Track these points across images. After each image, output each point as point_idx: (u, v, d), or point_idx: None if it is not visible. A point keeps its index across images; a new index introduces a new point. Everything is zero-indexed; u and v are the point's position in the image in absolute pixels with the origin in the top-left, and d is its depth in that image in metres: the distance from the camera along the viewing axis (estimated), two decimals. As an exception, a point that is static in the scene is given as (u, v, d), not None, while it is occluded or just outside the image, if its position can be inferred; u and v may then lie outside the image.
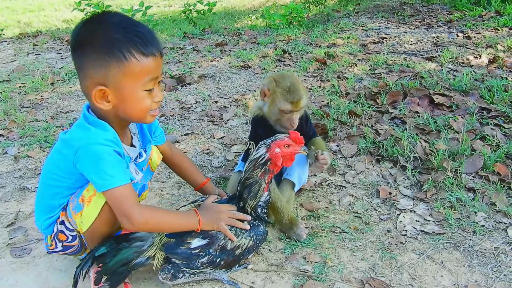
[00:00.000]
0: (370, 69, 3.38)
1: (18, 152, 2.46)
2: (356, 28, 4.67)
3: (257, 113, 1.82)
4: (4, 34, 6.24)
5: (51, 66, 4.14)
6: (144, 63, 1.16)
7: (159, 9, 8.63)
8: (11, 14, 9.00)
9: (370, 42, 4.07)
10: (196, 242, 1.39)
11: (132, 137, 1.42)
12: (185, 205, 1.55)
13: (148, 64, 1.17)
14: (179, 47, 4.50)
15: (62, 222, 1.37)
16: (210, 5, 5.49)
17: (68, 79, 3.66)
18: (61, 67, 4.04)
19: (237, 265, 1.54)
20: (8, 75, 3.98)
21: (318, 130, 2.40)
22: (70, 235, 1.40)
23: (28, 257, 1.68)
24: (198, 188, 1.73)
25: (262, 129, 1.77)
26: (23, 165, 2.33)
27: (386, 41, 4.09)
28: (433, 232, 1.68)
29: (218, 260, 1.40)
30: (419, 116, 2.52)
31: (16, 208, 1.98)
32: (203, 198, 1.56)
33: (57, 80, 3.65)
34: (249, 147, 1.78)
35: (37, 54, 4.66)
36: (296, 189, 1.83)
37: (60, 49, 4.84)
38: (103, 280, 1.35)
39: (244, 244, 1.42)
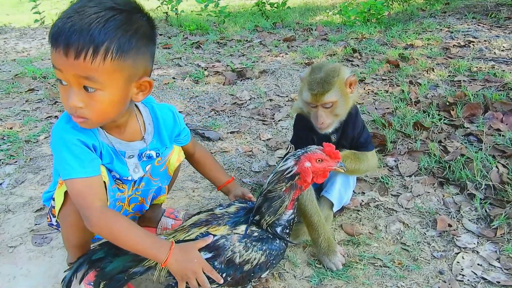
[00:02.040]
0: (449, 75, 2.99)
1: (66, 136, 2.46)
2: (441, 29, 4.21)
3: (298, 110, 1.61)
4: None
5: (120, 52, 4.20)
6: (51, 49, 1.03)
7: (241, 1, 8.59)
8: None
9: (454, 45, 3.63)
10: (202, 255, 1.21)
11: (142, 134, 1.29)
12: (199, 212, 1.38)
13: (51, 52, 1.03)
14: (246, 40, 4.36)
15: (54, 199, 1.28)
16: (284, -2, 5.30)
17: (132, 66, 3.67)
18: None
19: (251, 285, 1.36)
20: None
21: (375, 141, 2.12)
22: None
23: (46, 247, 1.63)
24: (221, 187, 1.55)
25: (303, 131, 1.56)
26: (67, 150, 2.32)
27: (473, 45, 3.62)
28: (498, 282, 1.37)
29: (223, 275, 1.21)
30: (500, 135, 2.13)
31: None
32: (221, 208, 1.37)
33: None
34: (289, 151, 1.56)
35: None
36: (335, 209, 1.59)
37: (132, 36, 4.94)
38: (101, 285, 1.24)
39: (255, 258, 1.21)
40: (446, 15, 4.98)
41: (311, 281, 1.42)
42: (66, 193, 1.19)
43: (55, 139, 1.15)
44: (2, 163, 2.18)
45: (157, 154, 1.34)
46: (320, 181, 1.22)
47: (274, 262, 1.28)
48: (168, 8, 5.37)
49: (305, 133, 1.53)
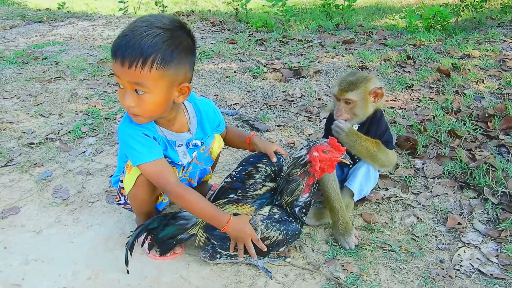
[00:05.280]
0: (498, 88, 3.06)
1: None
2: (504, 40, 4.19)
3: (330, 111, 1.87)
4: (166, 11, 7.08)
5: (190, 44, 4.60)
6: (112, 61, 1.32)
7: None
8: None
9: (512, 57, 3.64)
10: None
11: (189, 127, 1.59)
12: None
13: (112, 63, 1.32)
14: (307, 40, 4.60)
15: (122, 181, 1.63)
16: (350, 1, 5.44)
17: (200, 58, 4.06)
18: (198, 47, 4.47)
19: (274, 255, 1.65)
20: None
21: (406, 145, 2.31)
22: None
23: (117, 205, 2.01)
24: (249, 147, 1.77)
25: (331, 127, 1.80)
26: (138, 128, 2.73)
27: (533, 58, 3.61)
28: (491, 274, 1.55)
29: None
30: (532, 149, 2.24)
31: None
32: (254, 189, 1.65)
33: (190, 58, 4.07)
34: None
35: (183, 33, 5.21)
36: (355, 198, 1.83)
37: (203, 30, 5.34)
38: (154, 248, 1.63)
39: (274, 236, 1.51)
40: (515, 25, 4.89)
41: (325, 255, 1.68)
42: (137, 177, 1.50)
43: (124, 135, 1.45)
44: (86, 135, 2.63)
45: (202, 143, 1.64)
46: (331, 171, 1.48)
47: (290, 240, 1.56)
48: (238, 4, 5.72)
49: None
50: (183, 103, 1.59)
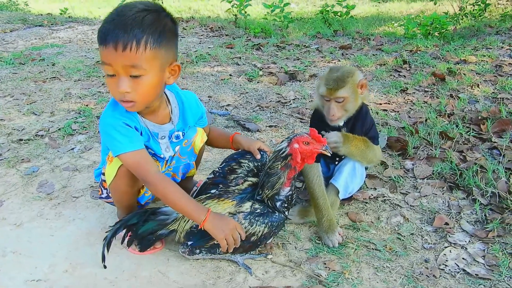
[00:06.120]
0: (493, 92, 3.03)
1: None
2: (502, 47, 4.17)
3: (315, 107, 1.85)
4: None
5: (188, 48, 4.62)
6: (100, 48, 1.31)
7: (314, 8, 8.82)
8: (186, 0, 10.29)
9: (508, 63, 3.62)
10: None
11: (171, 118, 1.57)
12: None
13: (101, 51, 1.30)
14: (304, 46, 4.60)
15: (104, 174, 1.60)
16: (348, 8, 5.45)
17: (196, 62, 4.05)
18: (195, 51, 4.48)
19: (256, 252, 1.62)
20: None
21: (397, 146, 2.29)
22: None
23: (100, 200, 1.98)
24: (232, 146, 1.76)
25: (317, 124, 1.77)
26: (129, 127, 2.71)
27: (530, 65, 3.59)
28: (476, 275, 1.51)
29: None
30: (525, 152, 2.21)
31: (110, 160, 2.33)
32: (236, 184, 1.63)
33: (186, 61, 4.07)
34: None
35: (182, 37, 5.22)
36: (341, 196, 1.79)
37: (202, 35, 5.35)
38: (134, 243, 1.60)
39: (259, 231, 1.48)
40: (513, 33, 4.88)
41: (308, 253, 1.64)
42: (118, 168, 1.48)
43: (105, 124, 1.44)
44: (77, 132, 2.62)
45: (183, 134, 1.62)
46: (310, 162, 1.46)
47: (276, 231, 1.54)
48: (237, 11, 5.74)
49: (318, 125, 1.75)
50: (165, 94, 1.58)
